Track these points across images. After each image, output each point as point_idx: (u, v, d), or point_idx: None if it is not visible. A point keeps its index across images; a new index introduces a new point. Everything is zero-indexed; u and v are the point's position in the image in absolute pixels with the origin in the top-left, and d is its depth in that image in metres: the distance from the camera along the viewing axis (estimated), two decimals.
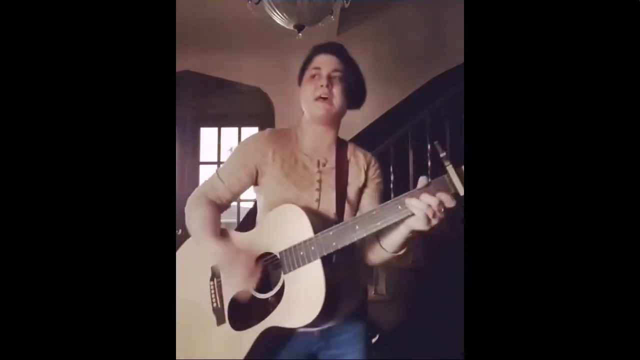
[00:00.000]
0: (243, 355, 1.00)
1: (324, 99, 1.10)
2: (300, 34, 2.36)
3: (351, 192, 1.14)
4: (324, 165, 1.14)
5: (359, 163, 1.18)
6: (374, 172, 1.19)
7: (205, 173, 3.78)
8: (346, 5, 2.43)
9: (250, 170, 1.13)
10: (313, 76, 1.13)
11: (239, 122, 3.97)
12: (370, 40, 3.79)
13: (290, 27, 2.37)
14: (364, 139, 3.45)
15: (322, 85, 1.10)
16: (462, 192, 0.87)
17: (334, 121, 1.16)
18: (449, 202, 0.88)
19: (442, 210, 0.88)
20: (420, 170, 2.90)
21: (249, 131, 3.94)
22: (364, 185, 1.16)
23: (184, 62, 3.52)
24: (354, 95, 1.16)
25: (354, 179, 1.15)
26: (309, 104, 1.13)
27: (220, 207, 1.16)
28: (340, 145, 1.19)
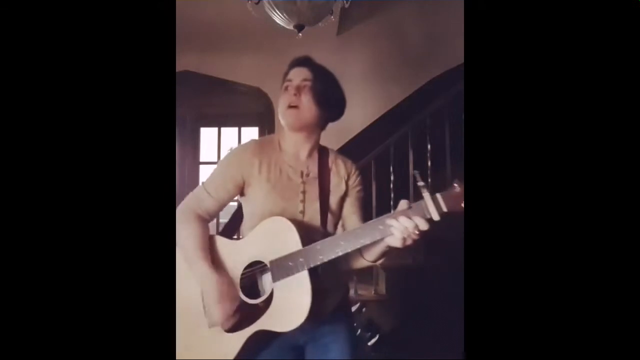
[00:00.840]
0: (233, 355, 1.06)
1: (294, 107, 1.16)
2: (300, 34, 2.36)
3: (333, 201, 1.20)
4: (307, 175, 1.19)
5: (339, 172, 1.23)
6: (354, 180, 1.24)
7: (205, 173, 3.78)
8: (346, 5, 2.43)
9: (238, 181, 1.17)
10: (286, 88, 1.20)
11: (239, 122, 3.96)
12: (370, 40, 3.79)
13: (290, 27, 2.37)
14: (363, 139, 3.45)
15: (291, 95, 1.17)
16: (436, 218, 0.96)
17: (310, 129, 1.20)
18: (423, 226, 0.97)
19: (417, 232, 0.98)
20: (421, 170, 2.90)
21: (249, 131, 3.93)
22: (345, 194, 1.22)
23: (184, 62, 3.52)
24: (330, 106, 1.20)
25: (336, 188, 1.20)
26: (282, 113, 1.19)
27: (207, 221, 1.19)
28: (322, 154, 1.24)
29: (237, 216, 1.25)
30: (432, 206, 0.96)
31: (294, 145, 1.21)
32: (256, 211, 1.15)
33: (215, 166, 1.23)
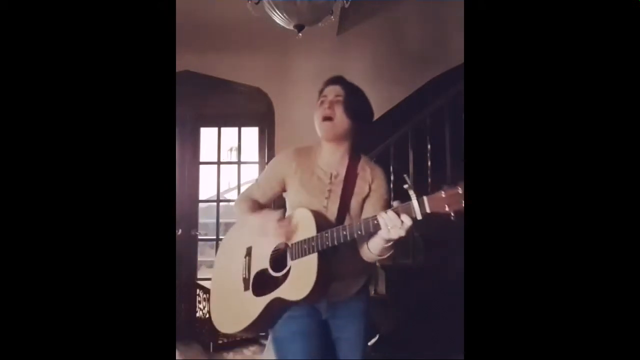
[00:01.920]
0: (257, 314, 1.32)
1: (329, 118, 1.37)
2: (300, 34, 2.36)
3: (354, 201, 1.37)
4: (335, 177, 1.39)
5: (365, 177, 1.40)
6: (377, 184, 1.40)
7: (205, 173, 3.78)
8: (346, 5, 2.43)
9: (280, 180, 1.44)
10: (321, 102, 1.41)
11: (239, 122, 3.96)
12: (370, 40, 3.79)
13: (290, 27, 2.37)
14: (364, 139, 3.45)
15: (325, 108, 1.38)
16: (418, 217, 1.11)
17: (342, 138, 1.40)
18: (407, 222, 1.12)
19: (400, 226, 1.12)
20: (421, 170, 2.90)
21: (249, 131, 3.93)
22: (367, 196, 1.39)
23: (184, 62, 3.52)
24: (359, 118, 1.41)
25: (359, 190, 1.38)
26: (318, 125, 1.40)
27: (260, 205, 1.47)
28: (353, 159, 1.43)
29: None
30: (417, 207, 1.11)
31: (328, 152, 1.42)
32: (292, 203, 1.41)
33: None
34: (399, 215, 1.12)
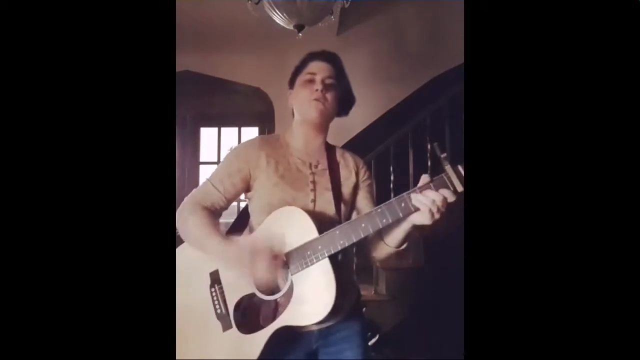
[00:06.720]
0: (255, 357, 1.01)
1: (318, 101, 1.15)
2: (300, 34, 2.36)
3: (345, 192, 1.18)
4: (316, 167, 1.18)
5: (348, 165, 1.22)
6: (364, 174, 1.24)
7: (205, 173, 3.79)
8: (346, 5, 2.44)
9: (245, 174, 1.15)
10: (309, 81, 1.18)
11: (239, 122, 3.98)
12: (370, 40, 3.80)
13: (290, 27, 2.37)
14: (364, 139, 3.46)
15: (316, 90, 1.15)
16: (460, 189, 0.94)
17: (323, 125, 1.21)
18: (451, 197, 0.95)
19: (445, 205, 0.94)
20: (420, 170, 2.90)
21: (249, 131, 3.94)
22: (356, 187, 1.21)
23: (184, 62, 3.53)
24: (343, 103, 1.22)
25: (346, 180, 1.20)
26: (303, 106, 1.17)
27: (214, 213, 1.16)
28: (329, 149, 1.24)
29: (243, 216, 1.24)
30: (456, 177, 0.94)
31: (304, 141, 1.20)
32: (265, 203, 1.12)
33: (218, 164, 1.22)
34: (436, 191, 0.94)
